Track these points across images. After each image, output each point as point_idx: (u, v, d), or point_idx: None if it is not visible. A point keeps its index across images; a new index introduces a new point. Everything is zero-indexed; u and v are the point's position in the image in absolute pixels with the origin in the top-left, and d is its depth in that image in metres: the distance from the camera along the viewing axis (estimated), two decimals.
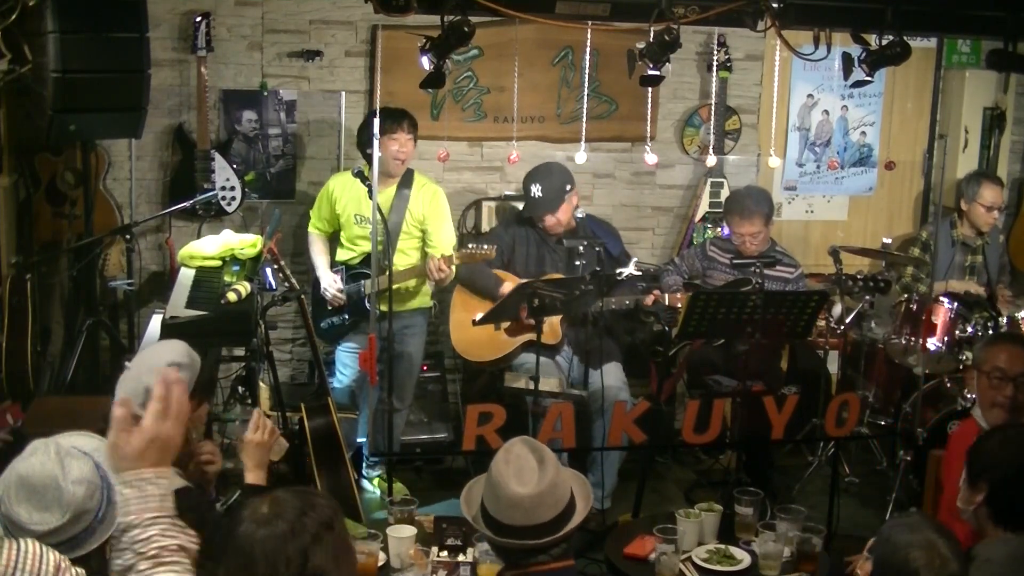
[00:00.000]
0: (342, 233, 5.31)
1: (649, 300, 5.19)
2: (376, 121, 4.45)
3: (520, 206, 5.59)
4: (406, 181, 5.21)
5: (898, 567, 2.31)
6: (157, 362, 2.94)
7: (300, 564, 2.01)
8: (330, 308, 5.25)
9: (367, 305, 5.07)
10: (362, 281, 5.15)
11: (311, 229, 5.40)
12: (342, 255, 5.30)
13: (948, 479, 3.52)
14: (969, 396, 4.97)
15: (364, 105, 5.76)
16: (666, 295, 5.21)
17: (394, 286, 4.89)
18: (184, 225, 5.66)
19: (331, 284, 5.19)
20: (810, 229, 6.51)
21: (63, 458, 2.26)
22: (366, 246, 5.16)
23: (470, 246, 5.04)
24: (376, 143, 4.43)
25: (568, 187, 5.21)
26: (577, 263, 4.94)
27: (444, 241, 5.17)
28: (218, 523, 2.90)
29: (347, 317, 5.23)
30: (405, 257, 5.18)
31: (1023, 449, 2.85)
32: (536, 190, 5.20)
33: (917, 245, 5.98)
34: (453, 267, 5.03)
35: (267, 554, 2.01)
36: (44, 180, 5.37)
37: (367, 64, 5.75)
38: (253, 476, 3.12)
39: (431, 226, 5.21)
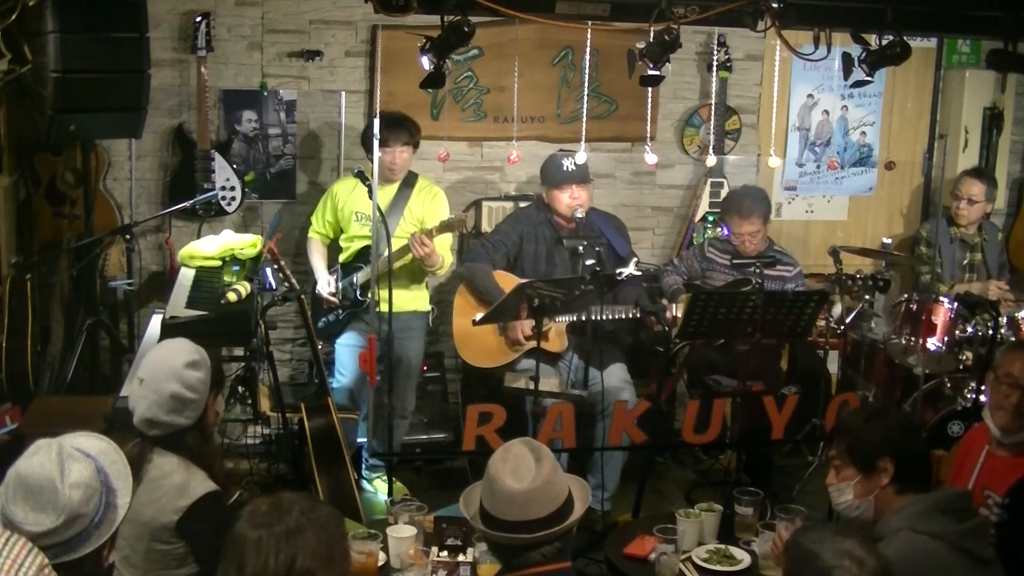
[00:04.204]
0: (342, 235, 5.33)
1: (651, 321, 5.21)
2: (376, 122, 4.46)
3: (523, 205, 5.59)
4: (408, 182, 5.26)
5: None
6: (173, 366, 2.95)
7: (288, 563, 2.05)
8: (325, 307, 5.29)
9: (359, 296, 5.17)
10: (354, 275, 5.18)
11: (311, 234, 5.42)
12: (340, 256, 5.34)
13: (954, 480, 3.52)
14: (969, 396, 4.99)
15: (364, 105, 5.76)
16: (666, 311, 5.20)
17: (388, 267, 4.86)
18: (184, 225, 5.66)
19: (325, 287, 5.25)
20: (810, 229, 6.51)
21: (64, 460, 2.24)
22: (363, 244, 5.19)
23: (449, 216, 5.11)
24: (376, 144, 4.47)
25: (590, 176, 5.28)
26: (588, 263, 4.92)
27: (442, 238, 5.17)
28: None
29: (341, 312, 5.26)
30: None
31: (898, 417, 3.10)
32: (569, 164, 5.15)
33: (921, 244, 5.97)
34: (435, 241, 5.01)
35: (257, 549, 2.06)
36: (44, 180, 5.37)
37: (367, 64, 5.74)
38: None
39: (430, 224, 5.20)
